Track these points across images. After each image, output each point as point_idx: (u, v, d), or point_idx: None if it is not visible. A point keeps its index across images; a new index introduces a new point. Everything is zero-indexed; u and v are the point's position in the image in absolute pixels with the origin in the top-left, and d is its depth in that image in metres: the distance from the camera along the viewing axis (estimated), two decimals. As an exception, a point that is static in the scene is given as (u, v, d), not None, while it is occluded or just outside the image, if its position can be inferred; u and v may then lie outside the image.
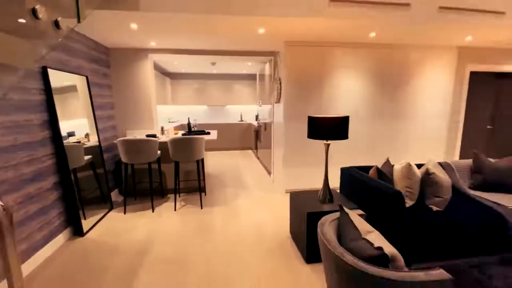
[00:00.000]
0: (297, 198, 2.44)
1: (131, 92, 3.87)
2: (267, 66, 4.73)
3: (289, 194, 3.76)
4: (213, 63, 5.78)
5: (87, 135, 3.04)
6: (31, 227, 2.12)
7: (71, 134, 2.69)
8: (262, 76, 5.33)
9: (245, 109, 8.04)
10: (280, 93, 3.65)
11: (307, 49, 3.50)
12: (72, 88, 2.84)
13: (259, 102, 5.75)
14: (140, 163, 3.17)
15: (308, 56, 3.52)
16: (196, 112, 7.81)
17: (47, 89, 2.35)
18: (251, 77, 7.88)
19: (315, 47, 3.51)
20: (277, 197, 3.66)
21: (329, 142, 2.21)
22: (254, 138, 6.61)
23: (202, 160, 3.51)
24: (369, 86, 3.76)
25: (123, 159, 3.13)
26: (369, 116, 3.83)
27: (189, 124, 4.09)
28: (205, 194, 3.76)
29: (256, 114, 7.64)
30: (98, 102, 3.37)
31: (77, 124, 2.86)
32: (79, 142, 2.84)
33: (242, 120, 7.74)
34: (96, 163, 3.13)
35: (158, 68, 6.22)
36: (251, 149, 7.51)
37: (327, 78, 3.62)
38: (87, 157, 2.95)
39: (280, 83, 3.63)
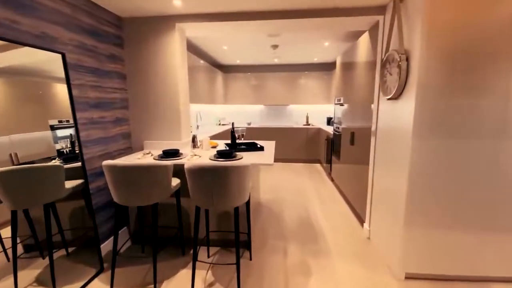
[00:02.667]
0: None
1: (152, 84, 2.59)
2: (362, 41, 2.89)
3: (414, 283, 1.91)
4: (275, 47, 4.20)
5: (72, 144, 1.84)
6: None
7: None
8: (347, 61, 3.50)
9: (313, 109, 6.25)
10: (406, 79, 1.81)
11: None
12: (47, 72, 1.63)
13: (338, 100, 3.92)
14: (138, 205, 1.81)
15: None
16: (251, 113, 6.40)
17: None
18: (323, 67, 6.03)
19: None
20: (382, 283, 1.86)
21: None
22: (326, 149, 4.80)
23: (247, 203, 1.96)
24: None
25: (114, 197, 1.81)
26: None
27: (232, 132, 2.62)
28: (250, 258, 2.20)
29: (330, 116, 5.78)
30: (95, 98, 2.15)
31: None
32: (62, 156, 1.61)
33: (308, 124, 5.99)
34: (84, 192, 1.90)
35: (207, 58, 4.98)
36: (320, 163, 5.69)
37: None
38: (72, 183, 1.74)
39: (407, 61, 1.80)
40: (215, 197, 1.66)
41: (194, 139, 2.67)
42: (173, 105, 2.59)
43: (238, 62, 5.74)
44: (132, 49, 2.56)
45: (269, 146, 2.77)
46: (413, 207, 1.82)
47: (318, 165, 5.63)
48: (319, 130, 5.62)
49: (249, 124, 6.09)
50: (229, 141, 2.87)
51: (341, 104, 3.72)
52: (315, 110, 6.24)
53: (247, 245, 2.29)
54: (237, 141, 2.68)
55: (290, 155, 5.79)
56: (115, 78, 2.42)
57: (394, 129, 2.00)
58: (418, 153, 1.75)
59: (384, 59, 2.11)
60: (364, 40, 2.79)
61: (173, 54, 2.53)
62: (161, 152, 2.33)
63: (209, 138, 2.61)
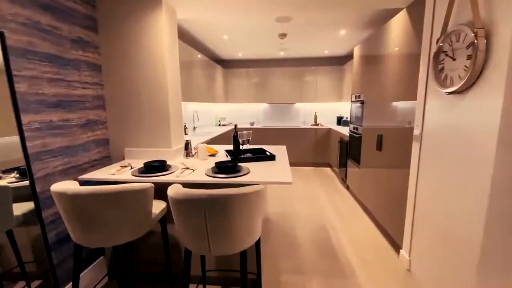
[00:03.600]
0: None
1: (135, 77, 2.07)
2: (395, 24, 2.36)
3: None
4: (283, 36, 3.66)
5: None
6: None
7: None
8: (369, 51, 2.96)
9: (321, 108, 5.71)
10: (484, 64, 1.28)
11: None
12: None
13: (356, 97, 3.39)
14: (101, 246, 1.29)
15: None
16: (253, 112, 5.86)
17: None
18: (334, 61, 5.49)
19: None
20: None
21: None
22: (340, 153, 4.27)
23: (257, 242, 1.43)
24: None
25: (71, 235, 1.29)
26: None
27: (236, 137, 2.09)
28: (261, 307, 1.67)
29: (341, 115, 5.25)
30: (54, 95, 1.62)
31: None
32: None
33: (317, 124, 5.45)
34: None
35: (206, 51, 4.44)
36: (330, 167, 5.16)
37: None
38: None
39: (487, 39, 1.26)
40: (212, 239, 1.13)
41: (187, 145, 2.14)
42: (161, 104, 2.07)
43: (240, 55, 5.20)
44: (109, 33, 2.03)
45: (281, 153, 2.24)
46: (493, 243, 1.29)
47: (328, 169, 5.10)
48: (329, 131, 5.09)
49: (252, 124, 5.57)
50: (231, 147, 2.34)
51: (361, 102, 3.19)
52: (324, 108, 5.71)
53: (256, 286, 1.77)
54: (242, 147, 2.15)
55: (298, 158, 5.26)
56: (86, 69, 1.89)
57: (459, 133, 1.47)
58: (505, 167, 1.22)
59: (441, 39, 1.58)
60: (398, 22, 2.26)
61: (160, 40, 2.00)
62: (142, 165, 1.81)
63: (206, 145, 2.08)
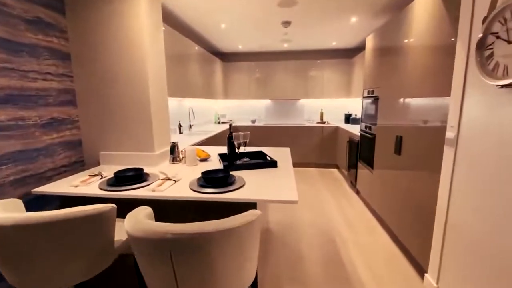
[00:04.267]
0: None
1: (110, 68, 1.74)
2: (419, 6, 1.99)
3: None
4: (286, 24, 3.30)
5: None
6: None
7: None
8: (386, 41, 2.59)
9: (328, 105, 5.35)
10: None
11: None
12: None
13: (370, 92, 3.03)
14: None
15: None
16: (255, 109, 5.52)
17: None
18: (343, 53, 5.11)
19: None
20: None
21: None
22: (349, 154, 3.92)
23: (253, 283, 1.10)
24: None
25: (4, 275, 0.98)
26: None
27: (230, 139, 1.76)
28: None
29: (349, 112, 4.88)
30: (4, 88, 1.31)
31: None
32: None
33: (323, 122, 5.09)
34: None
35: (203, 42, 4.10)
36: (337, 168, 4.81)
37: None
38: None
39: None
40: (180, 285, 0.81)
41: (174, 149, 1.82)
42: (141, 100, 1.74)
43: (240, 48, 4.84)
44: (78, 15, 1.70)
45: (284, 158, 1.91)
46: None
47: (335, 170, 4.75)
48: (336, 129, 4.73)
49: (253, 121, 5.23)
50: (225, 149, 2.01)
51: (375, 98, 2.83)
52: (331, 105, 5.34)
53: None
54: (239, 150, 1.82)
55: (302, 158, 4.92)
56: (48, 58, 1.57)
57: (515, 140, 1.12)
58: None
59: (490, 18, 1.22)
60: (422, 3, 1.89)
61: (139, 23, 1.67)
62: (118, 174, 1.48)
63: (195, 148, 1.75)
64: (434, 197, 1.68)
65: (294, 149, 4.90)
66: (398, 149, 2.21)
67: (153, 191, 1.26)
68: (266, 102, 5.47)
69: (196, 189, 1.25)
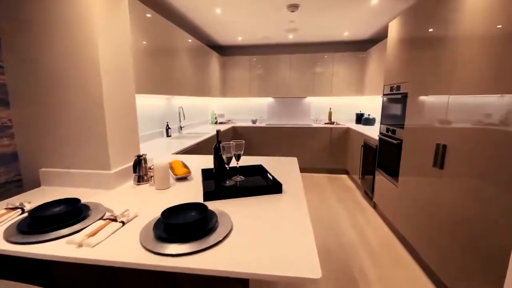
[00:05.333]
0: None
1: (50, 54, 1.25)
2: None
3: None
4: (293, 8, 2.78)
5: None
6: None
7: None
8: (417, 25, 2.07)
9: (337, 103, 4.82)
10: None
11: None
12: None
13: (394, 89, 2.51)
14: None
15: None
16: (256, 108, 5.02)
17: None
18: (355, 46, 4.58)
19: None
20: None
21: None
22: (363, 159, 3.40)
23: None
24: None
25: None
26: None
27: (217, 149, 1.27)
28: None
29: (361, 112, 4.35)
30: None
31: None
32: None
33: (332, 122, 4.58)
34: None
35: (198, 33, 3.60)
36: (348, 174, 4.30)
37: None
38: None
39: None
40: None
41: (138, 165, 1.32)
42: (92, 98, 1.25)
43: (239, 40, 4.33)
44: (4, -21, 1.21)
45: (291, 175, 1.41)
46: None
47: (345, 177, 4.24)
48: (347, 131, 4.21)
49: (254, 122, 4.73)
50: (212, 163, 1.50)
51: (402, 95, 2.31)
52: (341, 104, 4.81)
53: None
54: (227, 162, 1.32)
55: (308, 163, 4.41)
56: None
57: None
58: None
59: None
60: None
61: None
62: (35, 213, 0.99)
63: (167, 164, 1.26)
64: (502, 231, 1.17)
65: (299, 153, 4.40)
66: (439, 161, 1.69)
67: (80, 246, 0.77)
68: (269, 100, 4.96)
69: (148, 246, 0.75)
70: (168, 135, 3.05)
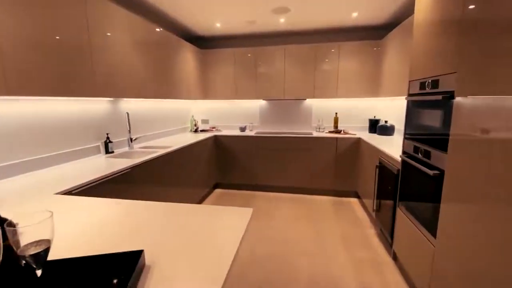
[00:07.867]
0: None
1: None
2: None
3: None
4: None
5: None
6: None
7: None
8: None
9: (344, 106, 3.87)
10: None
11: None
12: None
13: (427, 85, 1.58)
14: None
15: None
16: (246, 112, 4.15)
17: None
18: (366, 33, 3.63)
19: None
20: None
21: None
22: (377, 185, 2.46)
23: None
24: None
25: None
26: None
27: (3, 234, 0.46)
28: None
29: (375, 117, 3.38)
30: None
31: None
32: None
33: (338, 131, 3.64)
34: None
35: (167, 22, 2.78)
36: (358, 198, 3.35)
37: None
38: None
39: None
40: None
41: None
42: None
43: (218, 27, 3.48)
44: None
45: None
46: None
47: (354, 201, 3.29)
48: (357, 142, 3.27)
49: (243, 129, 3.88)
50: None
51: (445, 95, 1.37)
52: (349, 107, 3.86)
53: None
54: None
55: (307, 182, 3.50)
56: None
57: None
58: None
59: None
60: None
61: None
62: None
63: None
64: None
65: (296, 169, 3.50)
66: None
67: None
68: (260, 103, 4.08)
69: None
70: (108, 151, 2.25)
